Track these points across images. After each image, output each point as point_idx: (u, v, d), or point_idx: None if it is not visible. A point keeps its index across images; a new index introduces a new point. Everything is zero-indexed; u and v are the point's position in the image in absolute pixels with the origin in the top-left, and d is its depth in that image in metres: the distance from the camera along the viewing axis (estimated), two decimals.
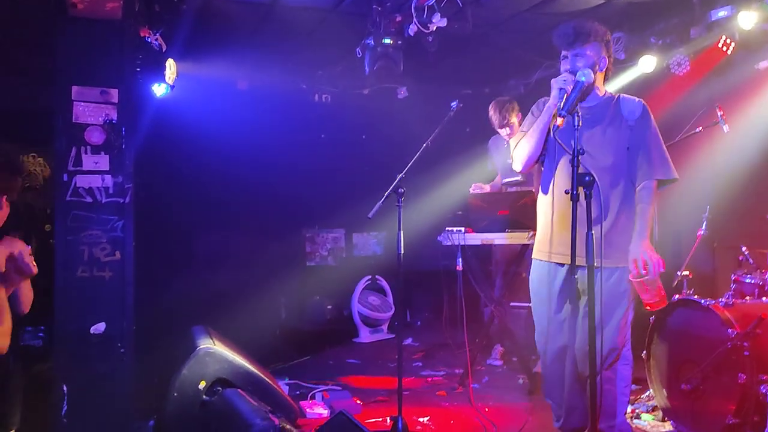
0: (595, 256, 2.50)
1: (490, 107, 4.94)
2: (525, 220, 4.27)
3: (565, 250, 2.81)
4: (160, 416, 3.47)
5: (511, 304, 5.00)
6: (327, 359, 5.73)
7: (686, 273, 3.81)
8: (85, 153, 3.55)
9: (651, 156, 2.98)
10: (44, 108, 3.77)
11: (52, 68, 3.55)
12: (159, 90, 4.94)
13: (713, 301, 3.40)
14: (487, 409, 4.03)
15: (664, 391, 3.61)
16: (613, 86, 5.13)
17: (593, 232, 2.48)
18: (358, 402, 4.15)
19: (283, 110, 6.43)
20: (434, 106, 4.76)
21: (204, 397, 3.34)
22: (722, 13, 4.38)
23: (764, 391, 3.08)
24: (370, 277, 6.82)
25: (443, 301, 6.06)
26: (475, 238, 4.52)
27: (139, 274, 3.71)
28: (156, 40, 4.29)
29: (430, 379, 4.96)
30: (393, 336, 6.55)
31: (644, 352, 3.71)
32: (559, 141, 2.57)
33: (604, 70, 3.02)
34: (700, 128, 4.12)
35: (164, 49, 4.55)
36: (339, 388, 4.63)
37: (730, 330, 3.21)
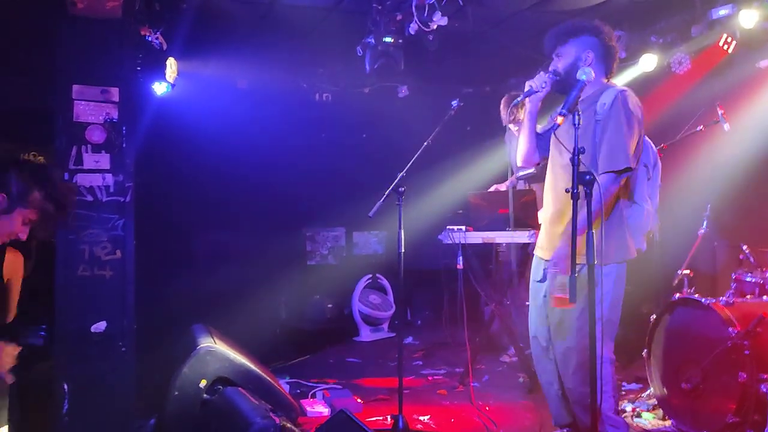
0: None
1: (501, 102, 4.92)
2: (526, 218, 4.27)
3: (548, 245, 3.03)
4: (161, 415, 3.48)
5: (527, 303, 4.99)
6: (327, 358, 5.73)
7: (687, 272, 3.81)
8: (86, 152, 3.55)
9: (605, 147, 2.86)
10: (45, 107, 3.77)
11: (53, 67, 3.55)
12: (159, 89, 4.94)
13: (714, 300, 3.40)
14: (487, 408, 4.03)
15: (664, 389, 3.61)
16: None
17: (593, 231, 2.48)
18: (359, 400, 4.15)
19: (283, 109, 6.43)
20: (435, 105, 4.75)
21: (205, 395, 3.35)
22: (723, 11, 4.37)
23: (765, 389, 3.08)
24: (370, 275, 6.82)
25: (444, 300, 6.08)
26: (476, 237, 4.52)
27: (139, 272, 3.71)
28: (156, 38, 4.29)
29: (430, 378, 4.96)
30: (393, 335, 6.55)
31: (645, 350, 3.72)
32: (558, 138, 2.59)
33: (590, 62, 2.97)
34: (701, 127, 4.12)
35: (165, 48, 4.55)
36: (339, 386, 4.63)
37: (730, 329, 3.21)
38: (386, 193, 3.41)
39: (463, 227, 4.54)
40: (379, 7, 4.67)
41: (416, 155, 3.49)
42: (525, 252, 4.79)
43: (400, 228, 3.45)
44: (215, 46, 5.47)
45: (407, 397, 3.78)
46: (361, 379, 4.93)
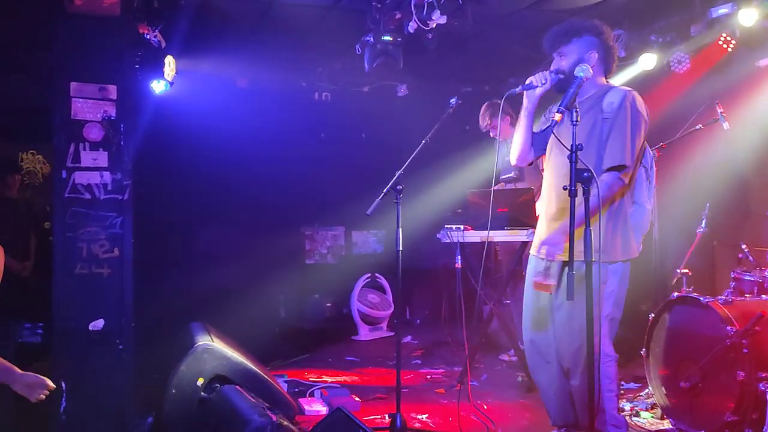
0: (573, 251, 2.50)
1: (482, 109, 5.13)
2: (524, 217, 4.27)
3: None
4: (159, 413, 3.47)
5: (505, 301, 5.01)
6: (326, 357, 5.73)
7: (686, 270, 3.80)
8: (84, 149, 3.55)
9: (609, 146, 2.89)
10: (43, 104, 3.76)
11: (50, 64, 3.55)
12: (158, 87, 4.93)
13: (712, 299, 3.39)
14: (485, 407, 4.02)
15: (663, 388, 3.60)
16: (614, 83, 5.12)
17: (591, 229, 2.47)
18: (357, 399, 4.15)
19: (282, 108, 6.43)
20: (434, 104, 4.75)
21: (202, 393, 3.34)
22: (723, 10, 4.37)
23: (763, 388, 3.07)
24: (369, 274, 6.81)
25: (443, 299, 6.08)
26: (474, 236, 4.51)
27: (137, 271, 3.71)
28: (155, 36, 4.29)
29: (429, 377, 4.95)
30: (392, 334, 6.55)
31: (643, 349, 3.71)
32: (557, 136, 2.59)
33: (594, 63, 2.99)
34: (701, 125, 4.11)
35: (163, 46, 4.55)
36: (338, 385, 4.63)
37: (729, 327, 3.20)
38: (384, 191, 3.40)
39: (461, 226, 4.53)
40: (379, 6, 4.67)
41: (414, 153, 3.48)
42: (523, 250, 4.79)
43: (398, 226, 3.44)
44: (214, 45, 5.46)
45: (405, 396, 3.77)
46: (360, 378, 4.93)
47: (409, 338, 6.36)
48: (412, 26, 4.47)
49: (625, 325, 3.11)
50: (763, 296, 3.49)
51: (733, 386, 3.15)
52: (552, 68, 3.02)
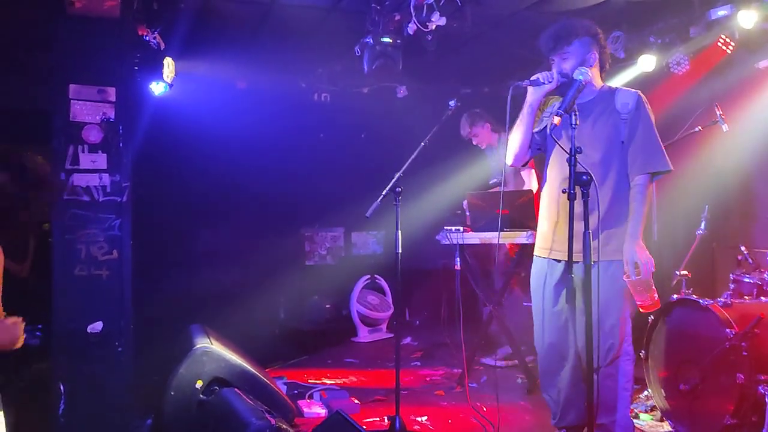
0: (591, 251, 2.50)
1: (462, 119, 5.19)
2: (523, 219, 4.26)
3: (562, 247, 2.86)
4: (158, 415, 3.47)
5: (524, 304, 4.98)
6: (325, 358, 5.73)
7: (685, 273, 3.79)
8: (83, 151, 3.55)
9: (642, 149, 2.91)
10: (42, 106, 3.76)
11: (50, 66, 3.54)
12: (157, 89, 4.93)
13: (712, 301, 3.39)
14: (485, 409, 4.02)
15: (662, 391, 3.60)
16: (613, 85, 5.12)
17: (590, 230, 2.47)
18: (356, 401, 4.14)
19: (282, 109, 6.42)
20: (434, 105, 4.75)
21: (201, 396, 3.34)
22: (722, 12, 4.37)
23: (762, 391, 3.07)
24: (369, 276, 6.81)
25: (442, 301, 6.07)
26: (474, 238, 4.51)
27: (136, 272, 3.71)
28: (154, 38, 4.29)
29: (428, 379, 4.95)
30: (392, 335, 6.54)
31: (642, 351, 3.70)
32: (555, 139, 2.59)
33: (595, 63, 3.00)
34: (700, 127, 4.10)
35: (162, 48, 4.55)
36: (337, 387, 4.63)
37: (728, 330, 3.20)
38: (383, 193, 3.40)
39: (461, 228, 4.53)
40: (378, 8, 4.67)
41: (413, 155, 3.48)
42: (523, 252, 4.78)
43: (397, 228, 3.44)
44: (213, 46, 5.47)
45: (405, 398, 3.77)
46: (359, 380, 4.93)
47: (408, 340, 6.35)
48: (411, 28, 4.46)
49: None
50: (763, 298, 3.49)
51: (732, 389, 3.14)
52: (557, 70, 2.99)
